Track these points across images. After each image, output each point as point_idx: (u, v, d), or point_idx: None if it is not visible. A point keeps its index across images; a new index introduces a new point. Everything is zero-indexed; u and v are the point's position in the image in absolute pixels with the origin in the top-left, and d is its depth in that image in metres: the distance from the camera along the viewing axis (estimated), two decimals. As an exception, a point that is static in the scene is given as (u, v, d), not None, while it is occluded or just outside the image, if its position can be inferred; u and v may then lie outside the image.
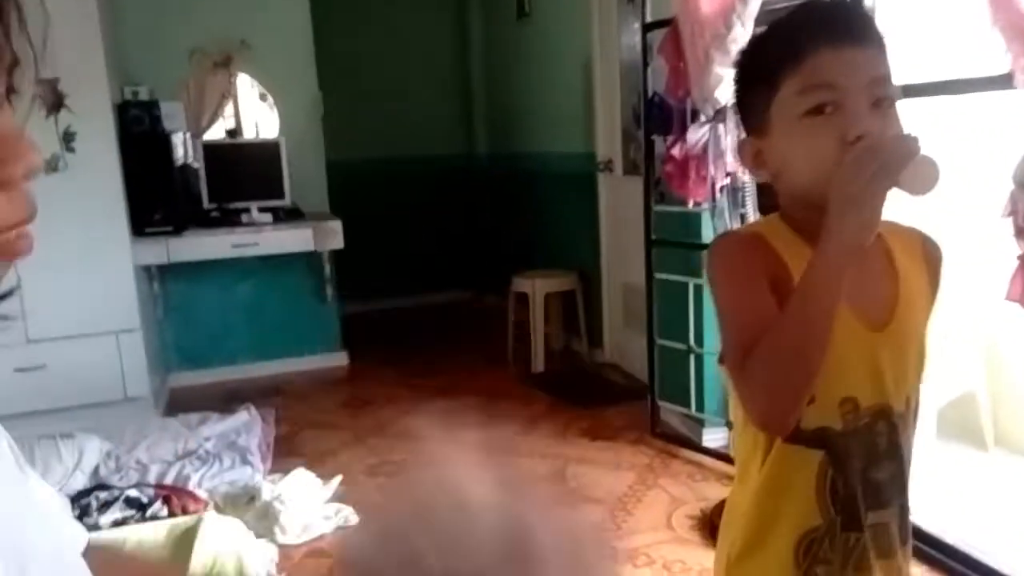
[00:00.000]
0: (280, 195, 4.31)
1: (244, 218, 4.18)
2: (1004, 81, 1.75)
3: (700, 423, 3.18)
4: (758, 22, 2.57)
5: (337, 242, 4.25)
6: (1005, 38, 1.70)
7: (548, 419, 3.59)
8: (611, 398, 3.80)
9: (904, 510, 0.99)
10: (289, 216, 4.29)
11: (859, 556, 0.96)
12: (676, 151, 2.81)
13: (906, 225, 1.02)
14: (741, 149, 1.00)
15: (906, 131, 0.86)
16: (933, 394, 2.82)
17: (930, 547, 2.20)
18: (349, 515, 2.73)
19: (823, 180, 0.85)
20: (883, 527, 0.97)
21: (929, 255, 1.01)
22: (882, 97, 0.87)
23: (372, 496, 2.91)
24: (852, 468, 0.94)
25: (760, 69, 0.94)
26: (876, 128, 0.85)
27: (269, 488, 2.76)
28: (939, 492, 2.48)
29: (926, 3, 2.56)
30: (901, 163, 0.79)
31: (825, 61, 0.87)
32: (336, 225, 4.25)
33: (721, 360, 0.99)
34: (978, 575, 2.10)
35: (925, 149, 0.80)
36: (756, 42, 1.00)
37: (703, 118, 2.73)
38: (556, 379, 4.18)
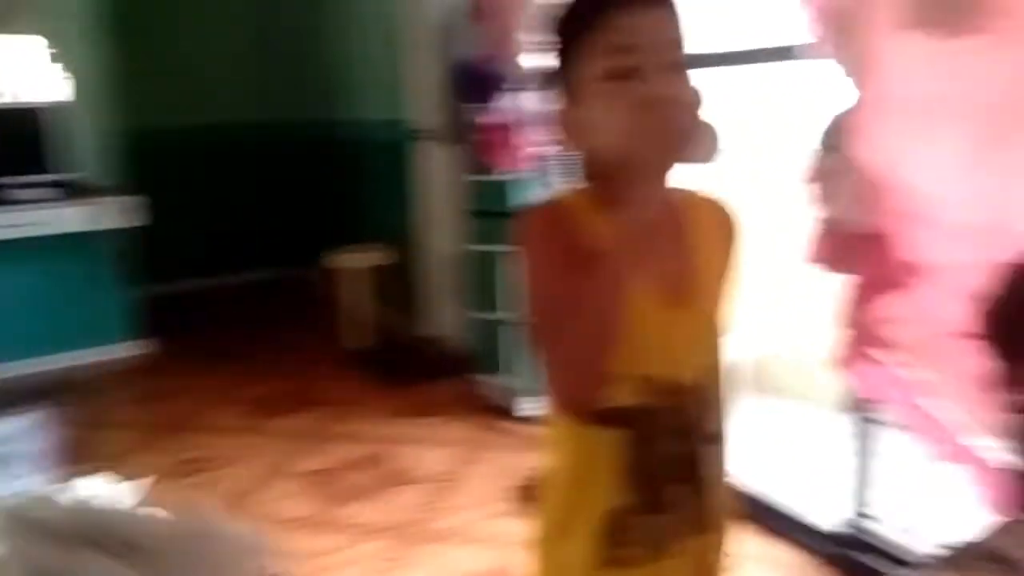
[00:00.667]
0: (48, 168, 3.79)
1: (6, 195, 3.66)
2: (800, 52, 1.82)
3: (518, 393, 3.18)
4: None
5: (133, 219, 3.83)
6: (804, 10, 1.75)
7: (367, 400, 3.46)
8: (433, 373, 3.72)
9: (713, 483, 0.98)
10: (80, 191, 3.80)
11: (666, 533, 0.95)
12: (489, 119, 2.75)
13: (701, 193, 1.01)
14: (555, 120, 0.94)
15: (691, 98, 0.85)
16: (741, 356, 2.98)
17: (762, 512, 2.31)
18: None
19: (620, 146, 0.83)
20: (691, 502, 0.96)
21: (725, 222, 1.01)
22: (676, 62, 0.86)
23: (172, 499, 2.66)
24: (654, 446, 0.93)
25: (566, 34, 0.90)
26: (671, 93, 0.84)
27: (64, 495, 2.44)
28: (751, 449, 2.62)
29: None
30: (684, 136, 0.80)
31: (622, 22, 0.84)
32: (130, 201, 3.82)
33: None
34: (786, 526, 2.23)
35: (708, 118, 0.80)
36: (563, 7, 0.95)
37: (514, 85, 2.68)
38: (375, 357, 4.05)
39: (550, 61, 0.93)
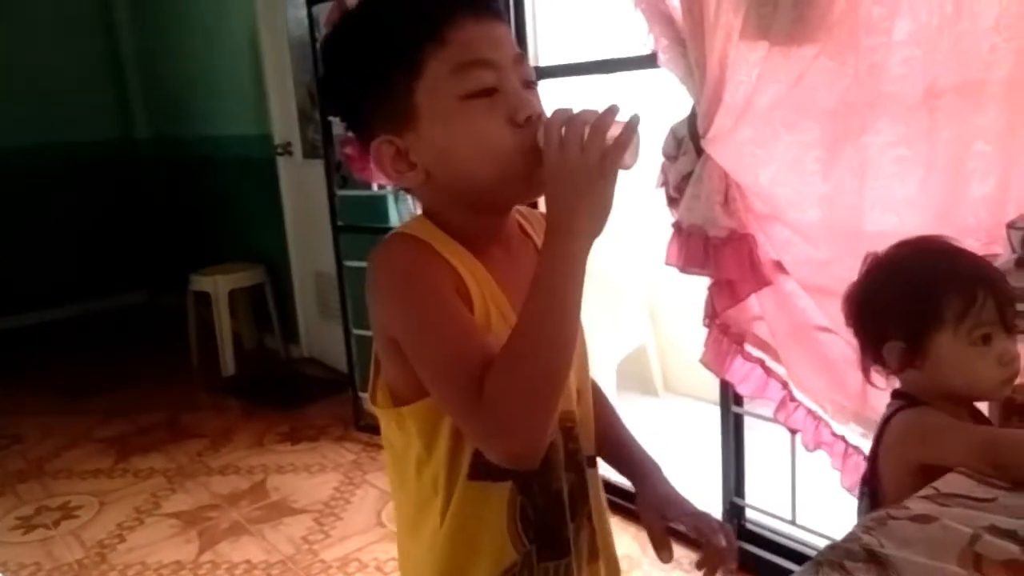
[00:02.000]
0: None
1: None
2: (649, 61, 1.87)
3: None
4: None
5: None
6: (646, 18, 1.80)
7: (243, 428, 3.30)
8: (311, 396, 3.60)
9: (597, 522, 0.94)
10: None
11: (568, 574, 0.88)
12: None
13: (529, 208, 0.96)
14: (378, 154, 0.80)
15: (598, 106, 0.75)
16: (610, 352, 3.04)
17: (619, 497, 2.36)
18: (-5, 585, 2.25)
19: (496, 170, 0.77)
20: (586, 533, 0.91)
21: None
22: (528, 77, 0.80)
23: (28, 555, 2.44)
24: (539, 488, 0.85)
25: (388, 52, 0.77)
26: (538, 108, 0.79)
27: None
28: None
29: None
30: (627, 139, 0.71)
31: (472, 35, 0.76)
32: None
33: (374, 400, 0.86)
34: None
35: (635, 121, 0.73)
36: (364, 21, 0.80)
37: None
38: (249, 382, 3.87)
39: (363, 86, 0.80)
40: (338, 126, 2.88)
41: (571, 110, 0.74)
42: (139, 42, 5.21)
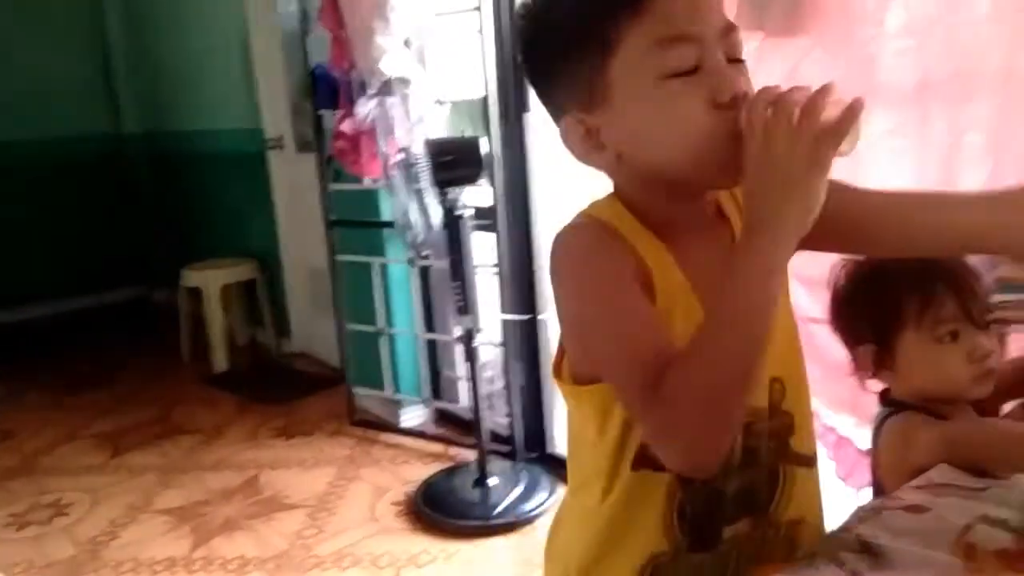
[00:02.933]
0: None
1: None
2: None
3: (397, 404, 3.12)
4: (416, -9, 2.50)
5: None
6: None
7: (236, 423, 3.29)
8: (304, 390, 3.59)
9: (796, 526, 0.85)
10: None
11: (717, 573, 0.84)
12: (346, 126, 2.66)
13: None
14: (566, 132, 0.77)
15: (813, 87, 0.67)
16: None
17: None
18: (-13, 582, 2.24)
19: (692, 156, 0.71)
20: (743, 539, 0.84)
21: None
22: (735, 52, 0.73)
23: (20, 552, 2.43)
24: (704, 486, 0.81)
25: (583, 23, 0.73)
26: (744, 87, 0.71)
27: None
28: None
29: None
30: (847, 125, 0.64)
31: (674, 5, 0.70)
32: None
33: (557, 374, 0.83)
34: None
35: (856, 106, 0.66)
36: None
37: (371, 91, 2.61)
38: (242, 377, 3.86)
39: (552, 63, 0.77)
40: (329, 119, 2.87)
41: (778, 88, 0.67)
42: (128, 36, 5.17)
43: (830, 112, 0.64)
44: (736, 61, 0.72)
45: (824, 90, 0.65)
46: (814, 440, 0.87)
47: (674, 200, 0.76)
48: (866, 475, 1.68)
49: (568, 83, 0.76)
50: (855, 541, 0.74)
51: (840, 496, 1.81)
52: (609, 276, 0.74)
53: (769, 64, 1.57)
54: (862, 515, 0.78)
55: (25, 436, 3.31)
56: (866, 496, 1.62)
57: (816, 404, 1.79)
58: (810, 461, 0.85)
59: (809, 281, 1.67)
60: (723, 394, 0.67)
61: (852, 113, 0.64)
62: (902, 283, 0.99)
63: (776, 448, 0.82)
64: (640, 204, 0.78)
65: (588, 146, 0.77)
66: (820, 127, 0.64)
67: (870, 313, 1.02)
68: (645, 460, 0.79)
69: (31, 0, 4.89)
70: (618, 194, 0.81)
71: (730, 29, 0.72)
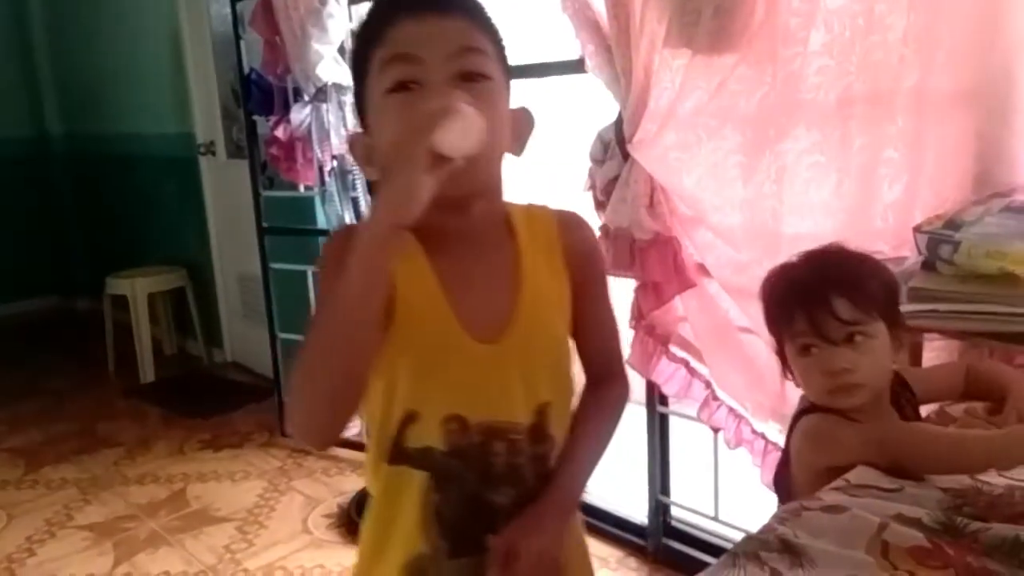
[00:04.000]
0: None
1: None
2: (577, 66, 1.89)
3: (332, 415, 3.07)
4: (354, -2, 2.49)
5: None
6: (573, 23, 1.82)
7: (162, 436, 3.19)
8: (234, 402, 3.50)
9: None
10: None
11: None
12: (280, 132, 2.63)
13: (543, 207, 0.93)
14: (351, 147, 0.87)
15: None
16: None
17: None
18: None
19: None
20: None
21: (568, 240, 0.90)
22: (471, 71, 0.78)
23: (-75, 573, 2.30)
24: (461, 492, 0.85)
25: (354, 55, 0.85)
26: (448, 103, 0.73)
27: None
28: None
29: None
30: (431, 120, 0.68)
31: (404, 33, 0.78)
32: None
33: None
34: (597, 521, 2.31)
35: (461, 105, 0.70)
36: (359, 24, 0.89)
37: (306, 97, 2.58)
38: (169, 389, 3.75)
39: (354, 84, 0.87)
40: (263, 125, 2.82)
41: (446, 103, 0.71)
42: (51, 32, 4.98)
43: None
44: (469, 78, 0.78)
45: (440, 99, 0.71)
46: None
47: (437, 210, 0.74)
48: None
49: (357, 106, 0.87)
50: (776, 541, 0.77)
51: (762, 501, 1.86)
52: (329, 276, 0.77)
53: (695, 81, 1.61)
54: (782, 516, 0.81)
55: (-67, 453, 3.14)
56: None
57: (743, 411, 1.84)
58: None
59: (738, 291, 1.71)
60: (312, 372, 0.74)
61: (441, 110, 0.69)
62: (779, 298, 1.05)
63: (541, 471, 0.87)
64: None
65: (363, 161, 0.85)
66: (416, 124, 0.69)
67: (769, 324, 1.07)
68: (398, 455, 0.84)
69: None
70: None
71: (464, 51, 0.78)
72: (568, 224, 0.92)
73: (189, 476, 2.83)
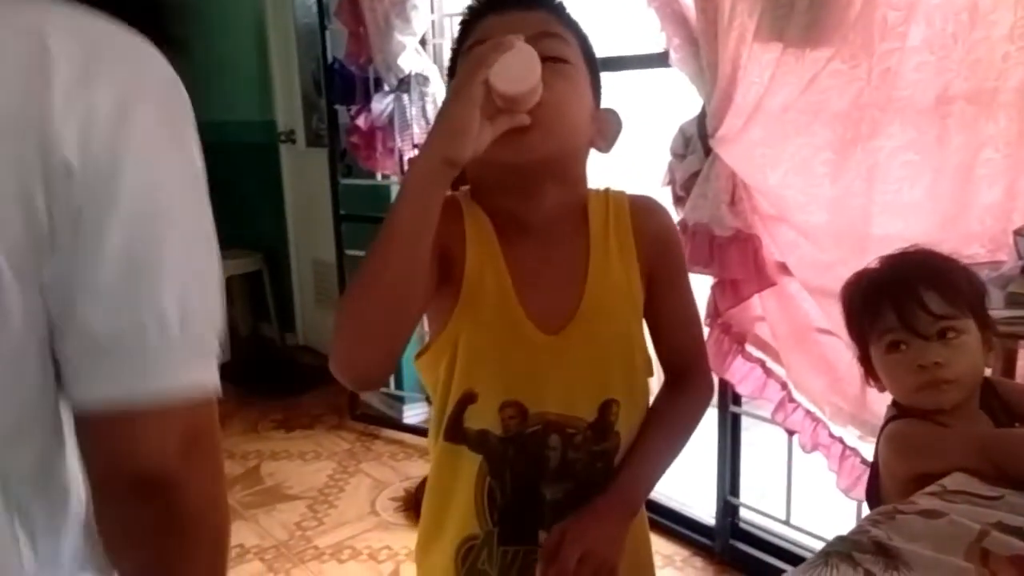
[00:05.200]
0: None
1: None
2: (660, 59, 1.87)
3: (400, 400, 3.13)
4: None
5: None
6: (658, 17, 1.81)
7: (237, 415, 3.30)
8: (306, 384, 3.59)
9: None
10: None
11: (520, 572, 0.87)
12: (361, 121, 2.68)
13: (619, 192, 0.91)
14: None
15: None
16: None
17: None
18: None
19: (481, 153, 0.75)
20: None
21: (641, 226, 0.88)
22: (550, 55, 0.78)
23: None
24: (514, 479, 0.85)
25: (452, 53, 0.89)
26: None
27: None
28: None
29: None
30: (487, 55, 0.70)
31: (490, 23, 0.83)
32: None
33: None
34: (666, 520, 2.30)
35: (516, 41, 0.72)
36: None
37: (387, 87, 2.63)
38: (244, 369, 3.85)
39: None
40: (344, 115, 2.88)
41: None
42: None
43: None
44: (551, 60, 0.78)
45: (500, 44, 0.71)
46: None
47: (509, 194, 0.82)
48: (869, 487, 1.69)
49: None
50: (869, 542, 0.75)
51: (835, 506, 1.82)
52: None
53: (786, 75, 1.58)
54: (875, 519, 0.79)
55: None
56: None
57: (821, 415, 1.80)
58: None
59: (820, 292, 1.68)
60: (355, 303, 0.73)
61: (496, 44, 0.70)
62: (867, 296, 1.02)
63: (604, 468, 0.86)
64: (485, 198, 0.85)
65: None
66: (473, 59, 0.71)
67: (853, 325, 1.05)
68: (456, 433, 0.85)
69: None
70: (472, 190, 0.87)
71: (543, 35, 0.80)
72: (642, 209, 0.90)
73: (263, 454, 2.92)
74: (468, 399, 0.84)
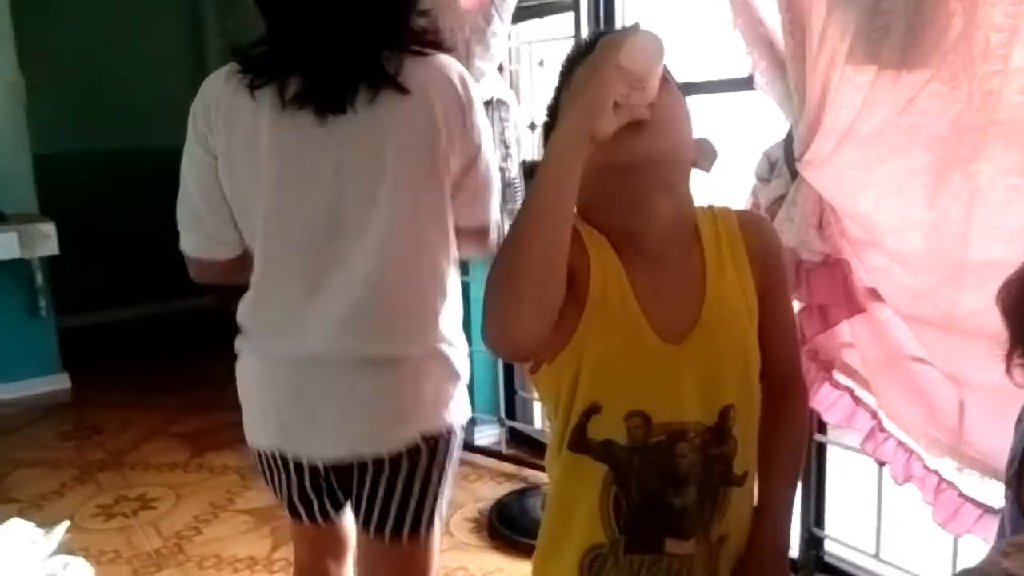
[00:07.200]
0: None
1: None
2: (744, 83, 1.87)
3: (472, 422, 3.14)
4: (517, 17, 2.57)
5: (50, 247, 3.66)
6: (744, 40, 1.80)
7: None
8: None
9: (722, 542, 0.92)
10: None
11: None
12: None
13: (724, 208, 0.95)
14: None
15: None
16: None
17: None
18: (81, 569, 2.32)
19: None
20: (685, 559, 0.89)
21: (752, 241, 0.92)
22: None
23: (109, 542, 2.52)
24: (640, 488, 0.87)
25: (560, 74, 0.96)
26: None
27: (-29, 548, 2.27)
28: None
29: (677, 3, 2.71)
30: (617, 39, 0.78)
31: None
32: (48, 228, 3.65)
33: (532, 371, 0.94)
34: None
35: (642, 28, 0.81)
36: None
37: (465, 112, 2.67)
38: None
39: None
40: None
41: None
42: (221, 5, 5.32)
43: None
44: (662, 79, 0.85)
45: (628, 29, 0.80)
46: (751, 461, 0.93)
47: (623, 210, 0.86)
48: (967, 522, 1.63)
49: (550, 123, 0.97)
50: (1001, 574, 0.73)
51: (927, 540, 1.75)
52: None
53: (880, 97, 1.55)
54: (1006, 550, 0.76)
55: (112, 432, 3.44)
56: (972, 543, 1.57)
57: (915, 445, 1.75)
58: (743, 480, 0.92)
59: (914, 319, 1.64)
60: (507, 270, 0.78)
61: (624, 30, 0.79)
62: None
63: (721, 471, 0.89)
64: (599, 217, 0.88)
65: None
66: (605, 44, 0.79)
67: (1017, 329, 0.98)
68: (580, 444, 0.87)
69: (138, 27, 5.13)
70: (584, 214, 0.90)
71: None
72: (751, 225, 0.95)
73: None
74: (592, 410, 0.86)
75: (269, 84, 1.17)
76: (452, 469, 1.40)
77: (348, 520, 1.44)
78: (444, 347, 1.31)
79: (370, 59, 1.15)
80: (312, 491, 1.34)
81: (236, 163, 1.22)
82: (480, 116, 1.26)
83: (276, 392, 1.31)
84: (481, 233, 1.38)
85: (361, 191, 1.18)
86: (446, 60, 1.24)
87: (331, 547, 1.48)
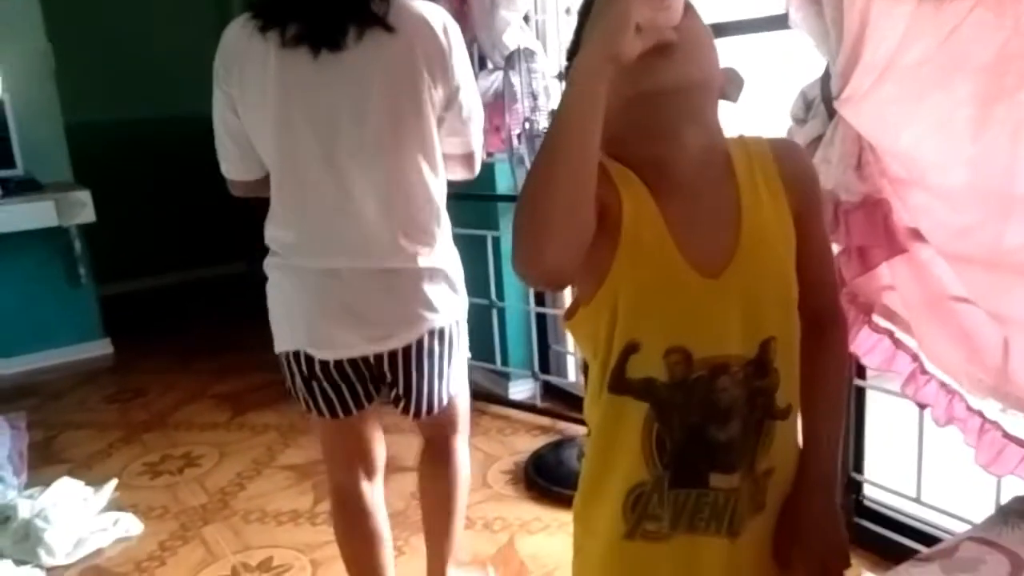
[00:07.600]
0: (8, 163, 3.67)
1: (-38, 192, 3.52)
2: (777, 22, 1.81)
3: (506, 377, 3.16)
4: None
5: (87, 215, 3.71)
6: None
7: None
8: (413, 361, 3.68)
9: (768, 475, 0.91)
10: (22, 187, 3.66)
11: (693, 514, 0.89)
12: (466, 100, 2.70)
13: (756, 138, 0.93)
14: None
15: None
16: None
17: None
18: (130, 524, 2.40)
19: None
20: (731, 492, 0.89)
21: (786, 169, 0.90)
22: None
23: (156, 498, 2.59)
24: (683, 423, 0.86)
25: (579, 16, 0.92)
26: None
27: (27, 505, 2.36)
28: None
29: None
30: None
31: None
32: (84, 196, 3.70)
33: (567, 316, 0.94)
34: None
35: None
36: None
37: (491, 65, 2.64)
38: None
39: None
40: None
41: None
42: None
43: None
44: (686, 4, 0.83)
45: None
46: (794, 393, 0.91)
47: (651, 139, 0.84)
48: (1010, 463, 1.61)
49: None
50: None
51: (969, 482, 1.73)
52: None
53: (922, 27, 1.50)
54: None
55: (155, 394, 3.52)
56: (1014, 484, 1.55)
57: (957, 387, 1.72)
58: (787, 413, 0.90)
59: (956, 258, 1.60)
60: (533, 197, 0.76)
61: None
62: None
63: (764, 404, 0.88)
64: (628, 153, 0.86)
65: None
66: None
67: None
68: (620, 384, 0.87)
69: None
70: (611, 151, 0.87)
71: None
72: (784, 152, 0.93)
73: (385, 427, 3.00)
74: (631, 349, 0.85)
75: (275, 27, 1.40)
76: (462, 353, 1.73)
77: (379, 446, 1.82)
78: (442, 257, 1.57)
79: (359, 4, 1.39)
80: (342, 381, 1.62)
81: (248, 94, 1.44)
82: (461, 59, 1.50)
83: (300, 300, 1.54)
84: (466, 158, 1.69)
85: (352, 115, 1.41)
86: (433, 7, 1.49)
87: (362, 463, 1.80)
